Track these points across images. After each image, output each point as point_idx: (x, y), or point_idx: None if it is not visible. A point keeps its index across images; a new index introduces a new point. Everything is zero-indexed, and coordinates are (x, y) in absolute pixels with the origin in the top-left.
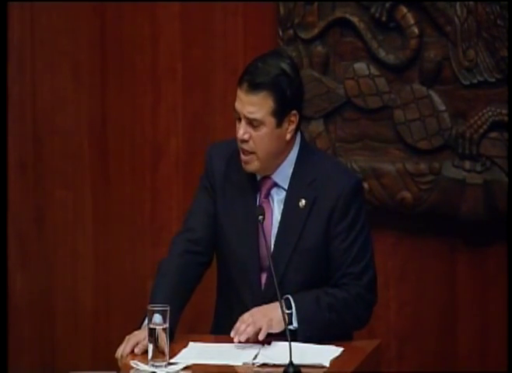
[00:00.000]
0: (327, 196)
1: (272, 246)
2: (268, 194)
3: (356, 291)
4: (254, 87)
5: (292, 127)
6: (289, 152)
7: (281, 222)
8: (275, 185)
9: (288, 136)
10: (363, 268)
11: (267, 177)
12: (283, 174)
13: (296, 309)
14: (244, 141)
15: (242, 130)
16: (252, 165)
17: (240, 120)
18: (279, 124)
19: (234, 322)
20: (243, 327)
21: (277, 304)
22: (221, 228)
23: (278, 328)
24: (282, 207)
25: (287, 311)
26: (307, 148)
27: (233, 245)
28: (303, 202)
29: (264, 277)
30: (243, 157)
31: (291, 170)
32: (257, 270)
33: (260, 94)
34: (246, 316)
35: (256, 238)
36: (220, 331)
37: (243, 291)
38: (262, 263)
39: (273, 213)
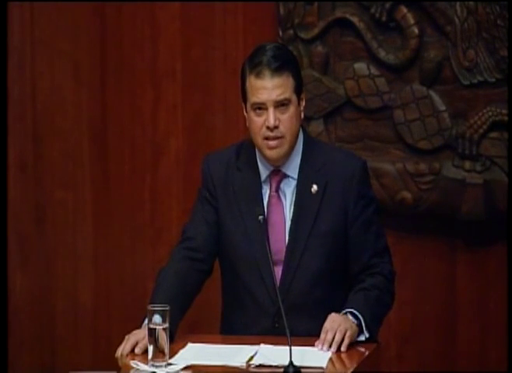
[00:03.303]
0: (338, 179)
1: (287, 235)
2: (277, 188)
3: (388, 269)
4: (277, 70)
5: (303, 104)
6: (297, 141)
7: (294, 210)
8: (285, 177)
9: (302, 114)
10: (384, 243)
11: (276, 171)
12: (292, 164)
13: (364, 321)
14: (275, 128)
15: (272, 117)
16: (282, 148)
17: (260, 112)
18: (298, 102)
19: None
20: (330, 336)
21: (344, 316)
22: (227, 233)
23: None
24: (293, 196)
25: (355, 321)
26: (310, 138)
27: (242, 245)
28: (314, 187)
29: (277, 272)
30: (271, 143)
31: (299, 159)
32: (271, 266)
33: (283, 74)
34: (330, 326)
35: (267, 234)
36: (233, 331)
37: (258, 290)
38: (275, 257)
39: (285, 205)
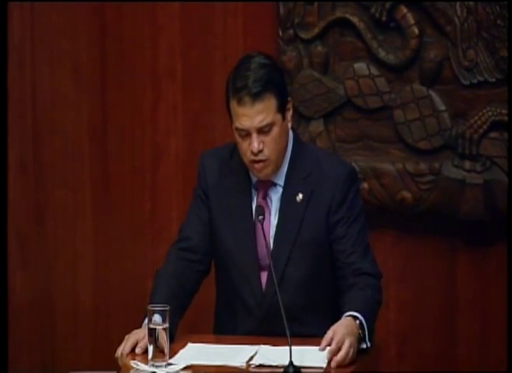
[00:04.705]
0: (324, 188)
1: (272, 243)
2: (265, 195)
3: (372, 269)
4: (257, 95)
5: (290, 113)
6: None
7: (279, 218)
8: (272, 184)
9: (289, 124)
10: (366, 246)
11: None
12: (280, 172)
13: (368, 331)
14: (259, 152)
15: (256, 143)
16: (267, 169)
17: (245, 136)
18: (284, 117)
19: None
20: (334, 347)
21: (353, 322)
22: (217, 233)
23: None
24: (279, 204)
25: (359, 331)
26: (299, 144)
27: (230, 247)
28: (300, 196)
29: (264, 276)
30: (256, 166)
31: (286, 167)
32: (257, 270)
33: (264, 99)
34: (340, 340)
35: (254, 239)
36: (221, 332)
37: (245, 292)
38: (262, 262)
39: (271, 212)
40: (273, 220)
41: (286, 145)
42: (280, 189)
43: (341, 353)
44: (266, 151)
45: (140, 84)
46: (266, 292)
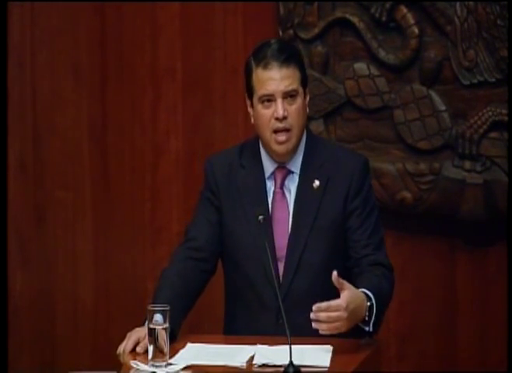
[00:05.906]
0: (340, 175)
1: (289, 230)
2: (282, 184)
3: (387, 261)
4: (284, 61)
5: (308, 98)
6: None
7: (296, 205)
8: (289, 173)
9: (307, 109)
10: (381, 238)
11: (280, 167)
12: (296, 160)
13: (375, 317)
14: (284, 119)
15: (281, 108)
16: (290, 142)
17: (268, 105)
18: (304, 95)
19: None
20: (323, 318)
21: (364, 302)
22: (230, 231)
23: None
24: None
25: (367, 314)
26: (313, 135)
27: (246, 243)
28: (316, 183)
29: (281, 268)
30: (280, 137)
31: (301, 155)
32: (275, 263)
33: (290, 66)
34: (338, 307)
35: (270, 231)
36: (237, 331)
37: (261, 285)
38: (278, 252)
39: (289, 202)
40: (292, 209)
41: (304, 127)
42: (297, 178)
43: (324, 314)
44: (290, 120)
45: (140, 84)
46: (283, 284)
